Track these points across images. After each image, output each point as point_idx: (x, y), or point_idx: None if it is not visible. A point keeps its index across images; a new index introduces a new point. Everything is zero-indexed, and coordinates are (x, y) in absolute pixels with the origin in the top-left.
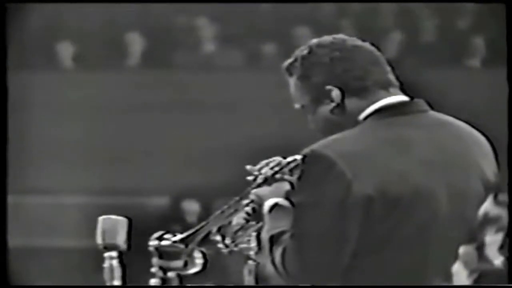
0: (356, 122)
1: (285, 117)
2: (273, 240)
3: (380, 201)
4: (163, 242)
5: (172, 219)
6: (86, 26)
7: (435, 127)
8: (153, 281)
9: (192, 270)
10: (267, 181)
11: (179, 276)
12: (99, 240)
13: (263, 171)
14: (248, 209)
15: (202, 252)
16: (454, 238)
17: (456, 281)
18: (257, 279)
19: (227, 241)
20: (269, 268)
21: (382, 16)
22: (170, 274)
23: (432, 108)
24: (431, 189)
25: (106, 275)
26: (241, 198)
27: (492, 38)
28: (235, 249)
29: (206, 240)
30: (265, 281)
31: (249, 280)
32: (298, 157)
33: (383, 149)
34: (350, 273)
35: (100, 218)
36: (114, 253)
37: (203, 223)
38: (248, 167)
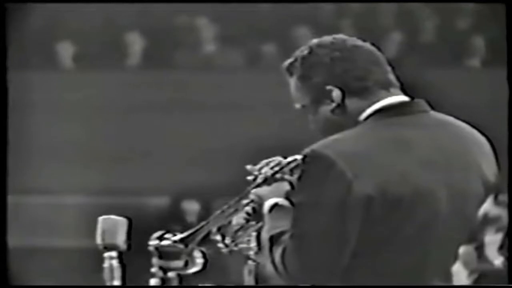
0: (357, 122)
1: (286, 117)
2: (273, 240)
3: (380, 201)
4: (163, 242)
5: (172, 219)
6: (86, 26)
7: (436, 127)
8: (153, 281)
9: (192, 270)
10: (267, 181)
11: (179, 276)
12: (99, 240)
13: (263, 171)
14: (248, 209)
15: (202, 252)
16: (454, 238)
17: (456, 281)
18: (257, 279)
19: (227, 241)
20: (269, 268)
21: (382, 16)
22: (170, 274)
23: (433, 108)
24: (431, 189)
25: (106, 275)
26: (241, 198)
27: (492, 38)
28: (235, 249)
29: (206, 240)
30: (265, 281)
31: (249, 280)
32: (298, 157)
33: (384, 149)
34: (350, 273)
35: (100, 218)
36: (114, 253)
37: (203, 223)
38: (248, 167)
